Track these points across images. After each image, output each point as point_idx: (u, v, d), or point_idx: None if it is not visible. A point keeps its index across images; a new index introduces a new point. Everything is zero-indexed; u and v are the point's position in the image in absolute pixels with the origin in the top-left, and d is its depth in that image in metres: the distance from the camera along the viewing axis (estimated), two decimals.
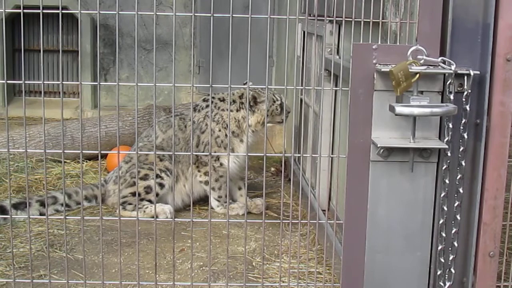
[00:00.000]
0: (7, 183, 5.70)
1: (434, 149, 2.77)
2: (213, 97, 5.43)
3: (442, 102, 2.76)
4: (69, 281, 3.50)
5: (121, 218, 3.25)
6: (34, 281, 3.34)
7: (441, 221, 2.81)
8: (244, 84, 5.63)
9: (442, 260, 2.85)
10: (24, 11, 2.92)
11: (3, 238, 4.75)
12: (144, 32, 9.59)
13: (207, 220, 3.40)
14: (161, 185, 5.51)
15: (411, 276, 2.88)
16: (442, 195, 2.79)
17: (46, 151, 3.06)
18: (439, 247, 2.84)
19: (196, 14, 3.07)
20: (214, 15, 2.90)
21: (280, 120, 5.69)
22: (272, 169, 6.86)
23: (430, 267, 2.90)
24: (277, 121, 5.72)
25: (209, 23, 2.89)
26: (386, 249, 2.86)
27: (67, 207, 5.41)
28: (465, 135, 2.76)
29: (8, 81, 3.20)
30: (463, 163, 2.78)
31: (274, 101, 5.67)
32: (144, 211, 5.40)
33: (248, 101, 4.13)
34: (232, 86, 3.05)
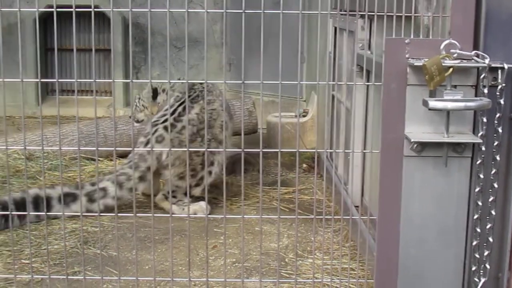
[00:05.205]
0: (42, 181, 5.76)
1: (468, 143, 2.75)
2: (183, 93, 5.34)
3: (476, 96, 2.73)
4: (104, 278, 3.53)
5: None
6: (69, 277, 3.38)
7: (475, 217, 2.79)
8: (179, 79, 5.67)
9: (477, 256, 2.82)
10: (57, 10, 2.95)
11: (38, 235, 4.80)
12: (174, 30, 9.62)
13: (239, 216, 3.41)
14: (210, 173, 5.48)
15: (446, 271, 2.86)
16: (477, 190, 2.77)
17: (80, 148, 3.08)
18: (474, 243, 2.81)
19: (227, 11, 3.07)
20: (246, 11, 2.90)
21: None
22: (304, 165, 6.84)
23: (465, 263, 2.88)
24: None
25: (239, 20, 2.89)
26: (420, 244, 2.84)
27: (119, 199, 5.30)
28: (500, 129, 2.73)
29: (43, 80, 3.23)
30: (498, 158, 2.75)
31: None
32: (183, 209, 5.34)
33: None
34: (264, 82, 3.06)
